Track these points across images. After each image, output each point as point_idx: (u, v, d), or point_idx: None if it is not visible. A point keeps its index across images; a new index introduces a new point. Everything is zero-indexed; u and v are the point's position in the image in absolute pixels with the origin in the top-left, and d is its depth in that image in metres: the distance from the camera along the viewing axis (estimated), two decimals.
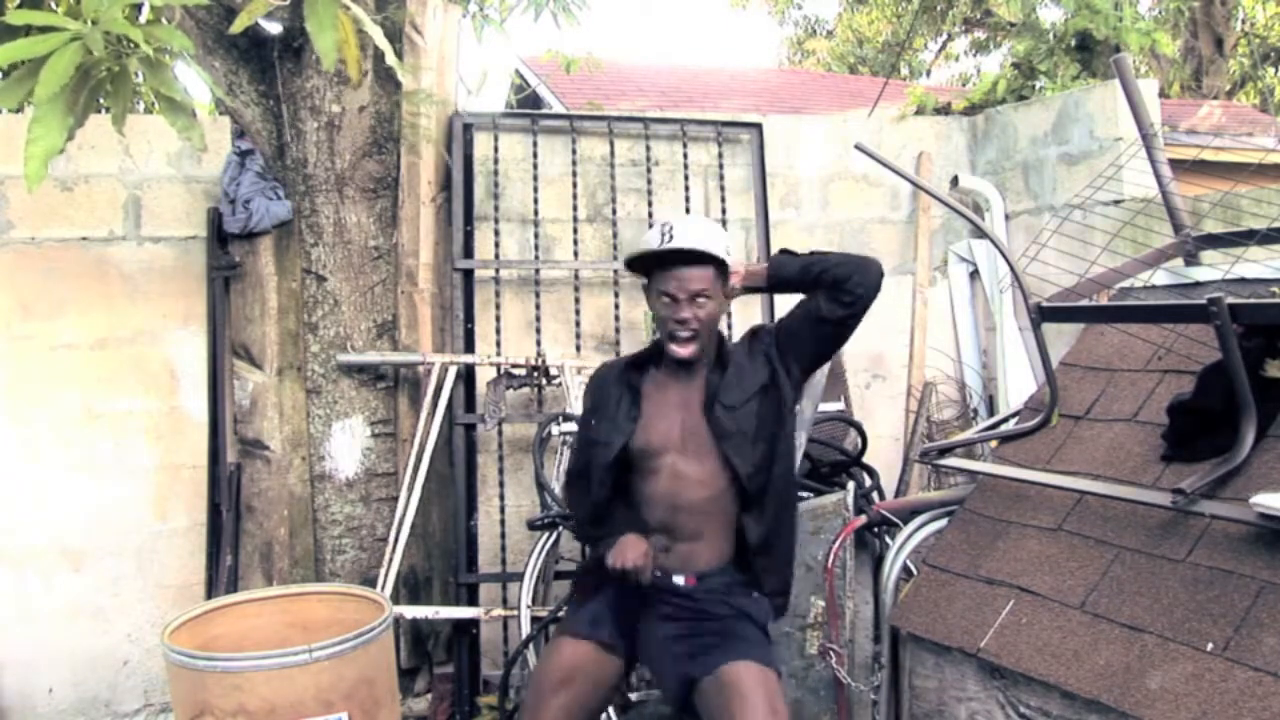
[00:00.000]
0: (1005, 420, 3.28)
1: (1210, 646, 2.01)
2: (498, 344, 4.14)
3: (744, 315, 4.27)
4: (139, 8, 2.67)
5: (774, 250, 4.43)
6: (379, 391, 4.03)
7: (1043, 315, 2.63)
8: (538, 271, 4.30)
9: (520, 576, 3.62)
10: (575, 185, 4.39)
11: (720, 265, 2.29)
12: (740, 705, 2.09)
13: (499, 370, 4.01)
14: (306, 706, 2.47)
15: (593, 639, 2.30)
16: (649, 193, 4.46)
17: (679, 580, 2.27)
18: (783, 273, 2.38)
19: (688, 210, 4.48)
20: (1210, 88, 11.58)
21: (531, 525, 3.42)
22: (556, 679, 2.27)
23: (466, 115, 4.28)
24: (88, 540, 3.93)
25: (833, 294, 2.26)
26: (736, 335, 2.70)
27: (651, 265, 2.32)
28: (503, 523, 4.05)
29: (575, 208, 4.38)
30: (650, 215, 4.43)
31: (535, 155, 4.36)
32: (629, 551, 2.23)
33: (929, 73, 15.03)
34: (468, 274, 4.15)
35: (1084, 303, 2.92)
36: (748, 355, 2.35)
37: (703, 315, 2.27)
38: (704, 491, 2.27)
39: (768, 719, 2.07)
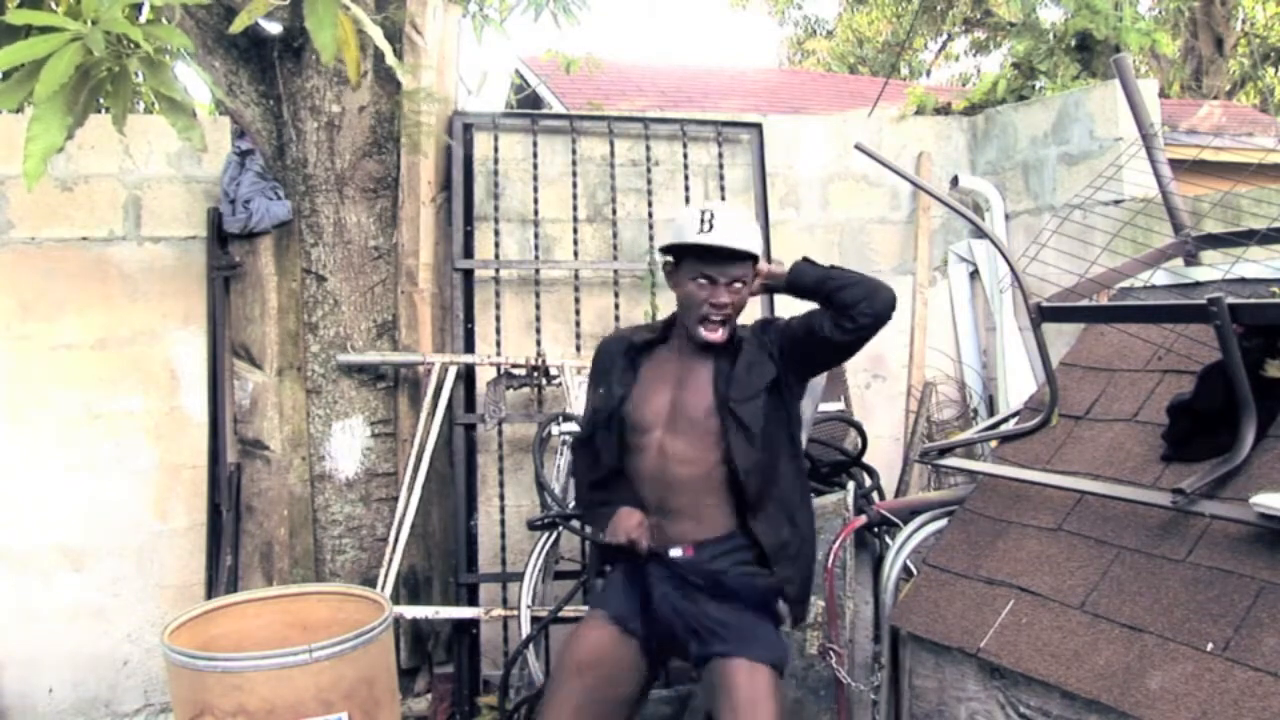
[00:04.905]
0: (1005, 420, 3.28)
1: (1210, 646, 2.01)
2: (498, 344, 4.14)
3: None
4: (139, 8, 2.67)
5: (774, 251, 4.46)
6: (379, 391, 4.02)
7: (1043, 315, 2.63)
8: (538, 271, 4.30)
9: (520, 576, 3.62)
10: (575, 185, 4.39)
11: (754, 257, 2.31)
12: (729, 708, 2.10)
13: (499, 370, 4.01)
14: (306, 706, 2.47)
15: (620, 626, 2.30)
16: (649, 193, 4.46)
17: (676, 552, 2.27)
18: (801, 281, 2.36)
19: None
20: (1210, 88, 11.58)
21: (531, 525, 3.41)
22: (580, 662, 2.27)
23: (466, 115, 4.28)
24: (88, 540, 3.94)
25: (837, 317, 2.25)
26: None
27: (687, 247, 2.32)
28: (503, 523, 4.05)
29: (575, 208, 4.38)
30: (650, 215, 4.43)
31: (535, 155, 4.36)
32: (623, 523, 2.25)
33: (929, 73, 15.03)
34: (468, 274, 4.15)
35: (1084, 303, 2.92)
36: (758, 348, 2.34)
37: (737, 301, 2.30)
38: (691, 470, 2.27)
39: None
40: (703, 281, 2.28)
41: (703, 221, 2.27)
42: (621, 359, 2.40)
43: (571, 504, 3.47)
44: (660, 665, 2.44)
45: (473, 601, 3.91)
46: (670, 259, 2.38)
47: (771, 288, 2.45)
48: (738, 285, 2.29)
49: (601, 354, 2.48)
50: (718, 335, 2.30)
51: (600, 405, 2.39)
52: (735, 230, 2.27)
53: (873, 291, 2.24)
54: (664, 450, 2.29)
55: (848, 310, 2.23)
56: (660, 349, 2.42)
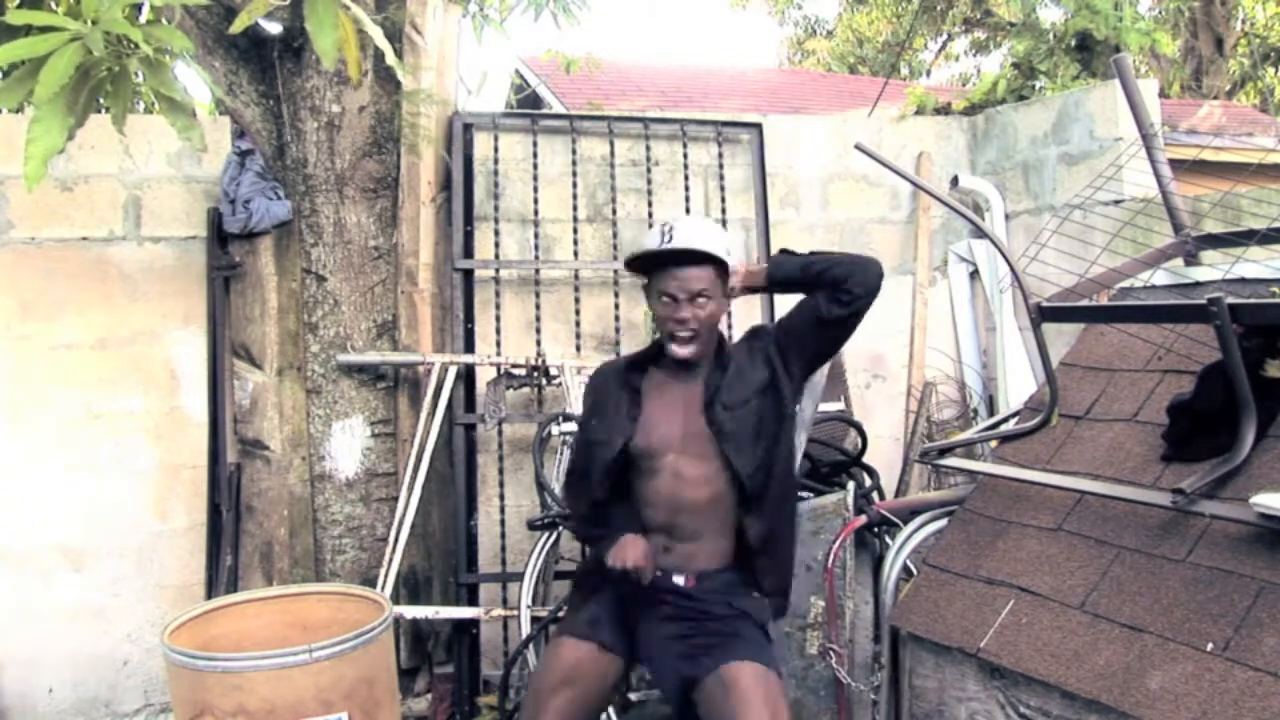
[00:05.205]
0: (1005, 420, 3.28)
1: (1210, 646, 2.01)
2: (498, 344, 4.14)
3: (744, 315, 4.27)
4: (139, 8, 2.67)
5: (774, 250, 4.47)
6: (379, 391, 4.03)
7: (1043, 315, 2.63)
8: (538, 271, 4.30)
9: (520, 576, 3.62)
10: (575, 185, 4.39)
11: (720, 265, 2.29)
12: (740, 705, 2.08)
13: (499, 370, 4.01)
14: (306, 706, 2.47)
15: (593, 640, 2.29)
16: (649, 193, 4.46)
17: (679, 580, 2.27)
18: (781, 272, 2.37)
19: (688, 210, 4.48)
20: (1210, 88, 11.58)
21: (531, 525, 3.42)
22: (556, 680, 2.26)
23: (466, 115, 4.28)
24: (88, 540, 3.94)
25: (832, 295, 2.25)
26: (737, 335, 2.70)
27: (652, 265, 2.31)
28: (503, 523, 4.05)
29: (575, 208, 4.38)
30: (650, 215, 4.43)
31: (535, 155, 4.36)
32: (629, 551, 2.23)
33: (929, 73, 15.03)
34: (468, 274, 4.15)
35: (1084, 303, 2.92)
36: (748, 355, 2.35)
37: (703, 315, 2.27)
38: (705, 492, 2.26)
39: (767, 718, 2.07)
40: (666, 300, 2.27)
41: (662, 235, 2.27)
42: (621, 392, 2.37)
43: None
44: (630, 674, 2.43)
45: (473, 601, 3.91)
46: (644, 279, 2.38)
47: (753, 288, 2.44)
48: (701, 300, 2.26)
49: (596, 388, 2.46)
50: (686, 351, 2.28)
51: (599, 439, 2.35)
52: (690, 236, 2.25)
53: (861, 265, 2.26)
54: (678, 473, 2.27)
55: (840, 285, 2.24)
56: (655, 372, 2.41)
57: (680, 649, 2.23)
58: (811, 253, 2.38)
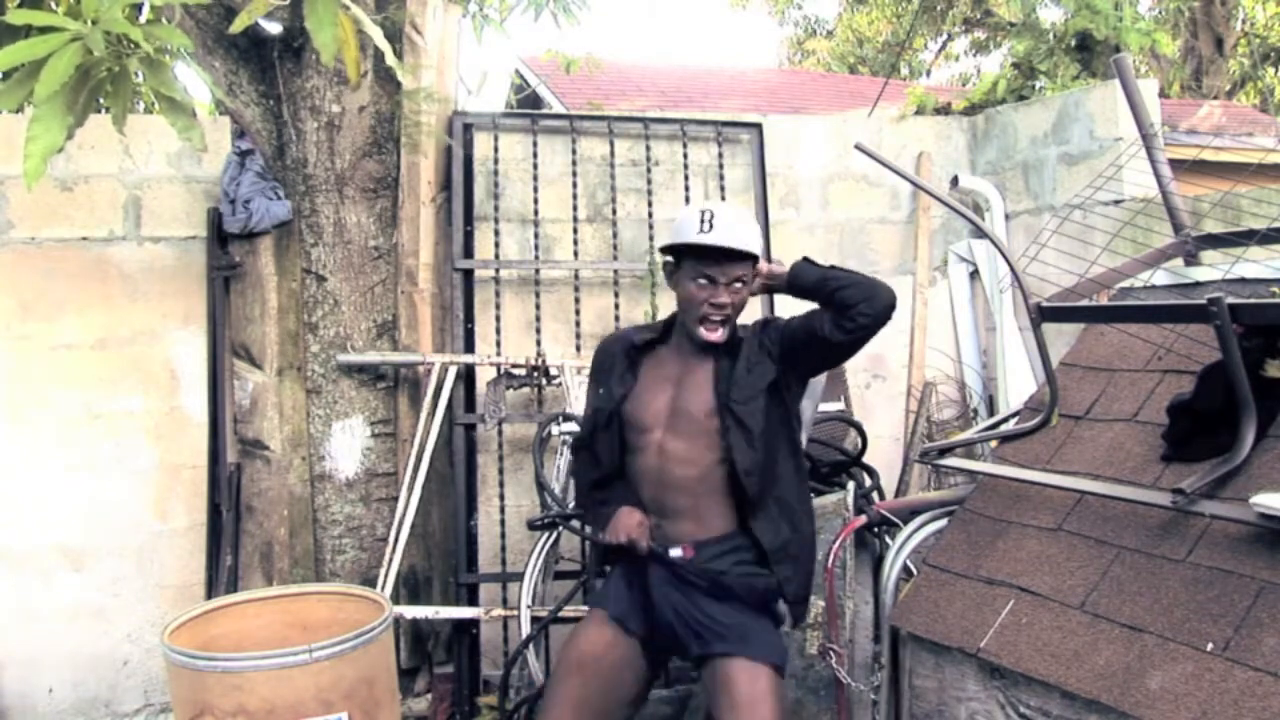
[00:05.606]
0: (1005, 420, 3.27)
1: (1210, 646, 2.01)
2: (498, 344, 4.14)
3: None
4: (139, 8, 2.67)
5: (773, 251, 4.46)
6: (379, 391, 4.03)
7: (1043, 315, 2.63)
8: (538, 271, 4.30)
9: (520, 576, 3.62)
10: (575, 185, 4.39)
11: (755, 256, 2.32)
12: (730, 707, 2.10)
13: (499, 370, 4.02)
14: (306, 706, 2.47)
15: (620, 625, 2.31)
16: (649, 193, 4.46)
17: (676, 553, 2.27)
18: (801, 281, 2.37)
19: None
20: (1210, 88, 11.58)
21: (531, 525, 3.40)
22: (580, 659, 2.29)
23: (466, 115, 4.28)
24: (88, 540, 3.94)
25: (837, 319, 2.26)
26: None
27: (687, 247, 2.32)
28: (503, 523, 4.06)
29: (575, 208, 4.38)
30: (650, 215, 4.43)
31: (535, 155, 4.36)
32: (623, 523, 2.26)
33: (929, 73, 15.04)
34: (468, 274, 4.15)
35: (1084, 303, 2.92)
36: (757, 350, 2.35)
37: (737, 301, 2.31)
38: (691, 470, 2.28)
39: None
40: (703, 282, 2.28)
41: (703, 221, 2.27)
42: (621, 359, 2.41)
43: (571, 504, 3.47)
44: (660, 665, 2.44)
45: (473, 601, 3.91)
46: (670, 259, 2.39)
47: (772, 288, 2.46)
48: (738, 285, 2.29)
49: (601, 354, 2.49)
50: (717, 335, 2.30)
51: (600, 406, 2.39)
52: (735, 230, 2.27)
53: (873, 292, 2.25)
54: (663, 450, 2.29)
55: (848, 310, 2.24)
56: (660, 349, 2.42)
57: (690, 617, 2.24)
58: (832, 267, 2.37)
